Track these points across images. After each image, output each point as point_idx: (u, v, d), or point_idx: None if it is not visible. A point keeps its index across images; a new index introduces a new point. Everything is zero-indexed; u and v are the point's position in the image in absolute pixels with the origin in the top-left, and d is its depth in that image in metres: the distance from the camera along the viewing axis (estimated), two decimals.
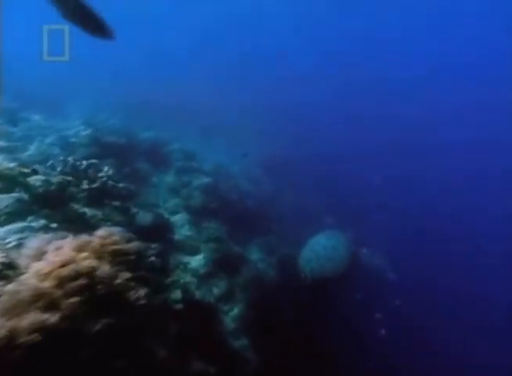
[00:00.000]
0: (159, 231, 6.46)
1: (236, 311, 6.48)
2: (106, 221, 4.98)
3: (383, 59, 24.55)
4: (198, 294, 5.85)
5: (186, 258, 6.66)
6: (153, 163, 8.93)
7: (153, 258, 5.45)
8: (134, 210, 6.07)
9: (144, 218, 6.34)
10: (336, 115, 19.44)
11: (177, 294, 5.15)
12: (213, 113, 16.21)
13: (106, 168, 5.36)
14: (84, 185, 4.95)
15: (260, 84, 21.47)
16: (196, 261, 6.69)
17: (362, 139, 18.00)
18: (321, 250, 7.63)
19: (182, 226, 7.27)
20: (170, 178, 8.64)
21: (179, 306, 5.01)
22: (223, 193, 9.30)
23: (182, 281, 5.50)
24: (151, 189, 7.95)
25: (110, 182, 5.33)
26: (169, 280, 5.38)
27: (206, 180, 8.82)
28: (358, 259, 8.05)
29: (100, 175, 5.19)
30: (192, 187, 8.31)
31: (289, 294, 8.23)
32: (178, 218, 7.44)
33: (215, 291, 6.48)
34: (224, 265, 6.97)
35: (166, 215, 7.22)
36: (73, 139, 6.70)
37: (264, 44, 27.27)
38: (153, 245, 5.69)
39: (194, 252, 6.88)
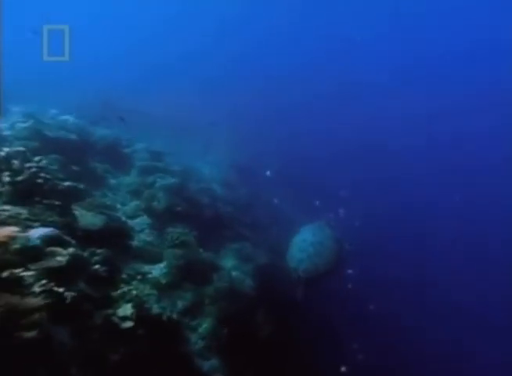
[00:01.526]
0: (112, 236, 5.49)
1: (205, 326, 5.56)
2: (33, 221, 4.01)
3: (360, 61, 24.71)
4: (157, 309, 4.89)
5: (145, 267, 5.70)
6: (111, 163, 7.96)
7: (97, 266, 4.50)
8: (78, 211, 5.11)
9: (93, 220, 5.37)
10: (314, 118, 19.21)
11: (126, 309, 4.19)
12: (187, 116, 15.43)
13: (37, 158, 4.41)
14: (5, 177, 3.98)
15: (236, 88, 20.97)
16: (158, 270, 5.74)
17: (340, 141, 17.79)
18: (310, 248, 7.13)
19: (141, 231, 6.33)
20: (131, 179, 7.69)
21: (128, 324, 4.06)
22: (192, 196, 8.42)
23: (135, 293, 4.53)
24: (107, 190, 6.97)
25: (43, 174, 4.37)
26: (118, 292, 4.43)
27: (173, 181, 7.93)
28: (343, 252, 7.60)
29: (28, 165, 4.24)
30: (157, 188, 7.39)
31: (268, 305, 7.39)
32: (138, 222, 6.49)
33: (180, 303, 5.54)
34: (191, 273, 6.05)
35: (123, 219, 6.26)
36: (8, 132, 5.68)
37: (244, 46, 27.04)
38: (99, 251, 4.75)
39: (155, 260, 5.93)
